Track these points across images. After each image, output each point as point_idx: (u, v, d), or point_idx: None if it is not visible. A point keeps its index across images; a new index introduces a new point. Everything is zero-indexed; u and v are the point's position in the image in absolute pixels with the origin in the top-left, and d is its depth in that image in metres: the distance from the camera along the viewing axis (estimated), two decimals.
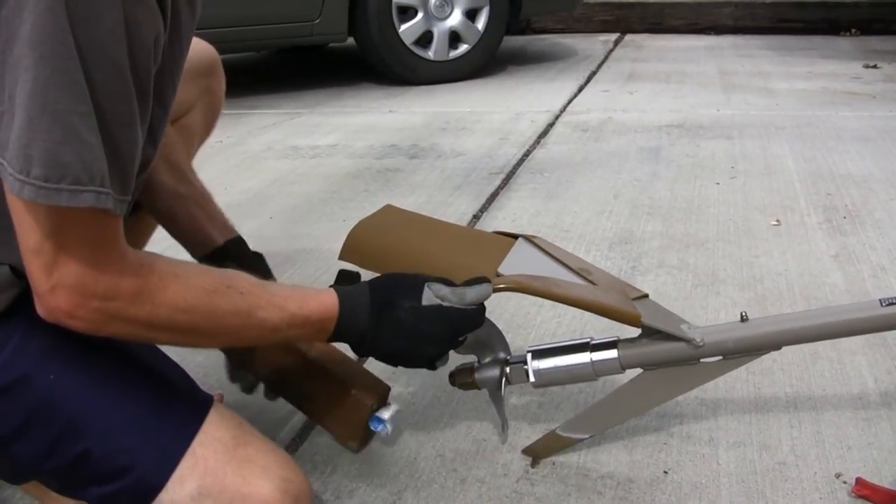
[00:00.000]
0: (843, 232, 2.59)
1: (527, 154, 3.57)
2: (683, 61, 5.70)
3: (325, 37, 5.07)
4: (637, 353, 1.45)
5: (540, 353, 1.47)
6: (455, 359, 1.39)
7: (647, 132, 3.87)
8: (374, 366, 1.44)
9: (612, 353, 1.45)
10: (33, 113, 0.96)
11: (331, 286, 1.33)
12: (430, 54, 5.12)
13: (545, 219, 2.78)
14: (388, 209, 1.67)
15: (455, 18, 5.13)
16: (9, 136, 0.97)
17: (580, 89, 4.87)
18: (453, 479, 1.51)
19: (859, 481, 1.44)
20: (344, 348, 1.34)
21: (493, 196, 3.04)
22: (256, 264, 1.58)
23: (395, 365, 1.36)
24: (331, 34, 4.98)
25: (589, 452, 1.57)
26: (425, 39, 5.10)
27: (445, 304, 1.31)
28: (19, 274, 1.10)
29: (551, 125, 4.05)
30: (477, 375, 1.48)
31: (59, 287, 1.03)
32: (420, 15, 5.05)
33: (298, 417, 1.70)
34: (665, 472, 1.51)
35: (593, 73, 5.36)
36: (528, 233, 1.65)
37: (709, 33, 6.94)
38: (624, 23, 7.13)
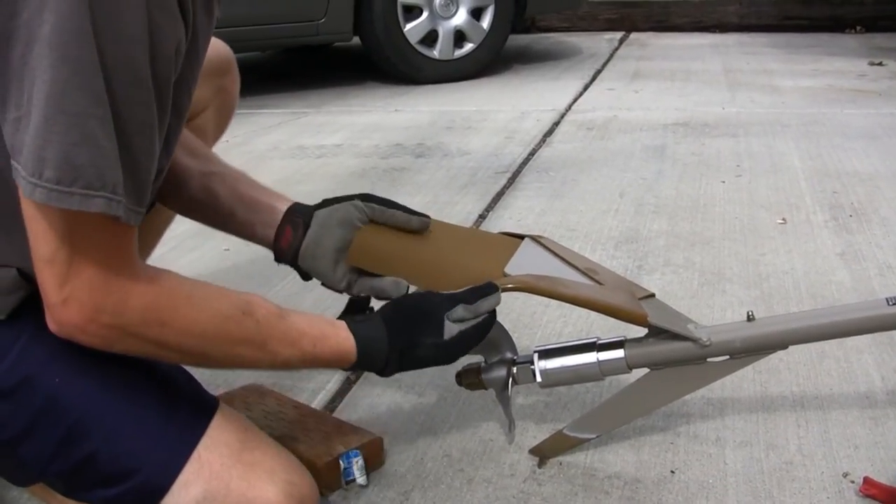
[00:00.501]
0: (850, 230, 2.59)
1: (532, 153, 3.57)
2: (688, 59, 5.69)
3: (330, 36, 5.08)
4: (644, 353, 1.45)
5: (546, 353, 1.47)
6: (462, 359, 1.39)
7: (653, 130, 3.87)
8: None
9: (618, 353, 1.45)
10: (49, 114, 0.95)
11: (341, 316, 1.33)
12: (436, 53, 5.12)
13: (551, 218, 2.78)
14: None
15: (460, 17, 5.13)
16: (24, 138, 0.96)
17: (585, 88, 4.87)
18: (460, 479, 1.51)
19: (867, 480, 1.44)
20: None
21: (499, 195, 3.04)
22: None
23: None
24: (336, 33, 4.99)
25: (596, 452, 1.57)
26: (430, 38, 5.10)
27: (464, 326, 1.33)
28: (27, 277, 1.11)
29: (557, 124, 4.05)
30: (483, 375, 1.48)
31: (70, 300, 1.03)
32: (425, 14, 5.05)
33: None
34: (672, 472, 1.51)
35: (598, 72, 5.35)
36: (534, 232, 1.65)
37: (714, 31, 6.94)
38: (629, 21, 7.13)
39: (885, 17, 6.74)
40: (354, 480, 1.47)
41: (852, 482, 1.47)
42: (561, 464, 1.54)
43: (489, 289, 1.35)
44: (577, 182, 3.15)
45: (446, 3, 5.08)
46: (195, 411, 1.20)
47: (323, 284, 1.50)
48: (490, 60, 5.30)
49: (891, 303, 1.41)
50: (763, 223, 2.67)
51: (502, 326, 1.47)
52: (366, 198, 1.48)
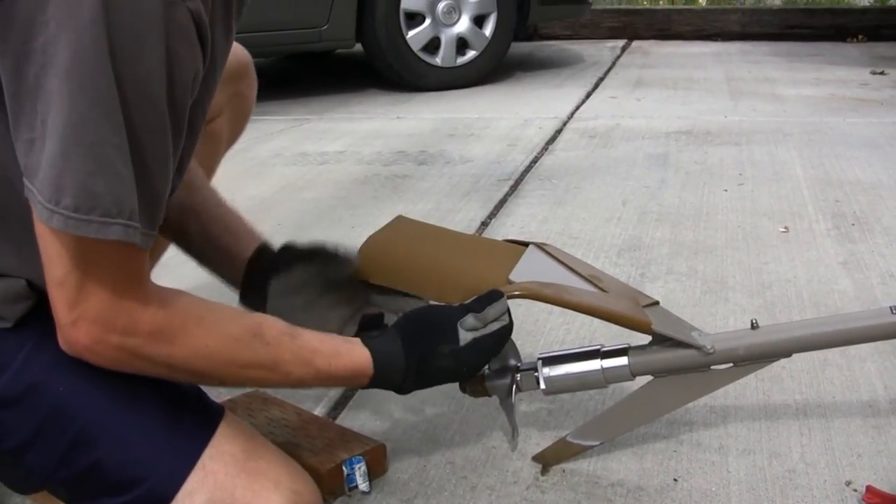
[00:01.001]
0: (852, 239, 2.59)
1: (535, 160, 3.58)
2: (691, 68, 5.70)
3: (332, 43, 5.09)
4: (647, 361, 1.45)
5: (550, 360, 1.47)
6: None
7: (655, 139, 3.87)
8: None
9: (622, 361, 1.45)
10: (68, 144, 0.95)
11: (357, 334, 1.32)
12: (438, 60, 5.12)
13: (554, 225, 2.78)
14: (399, 220, 1.67)
15: (463, 25, 5.14)
16: (39, 161, 0.97)
17: (588, 96, 4.88)
18: (463, 486, 1.51)
19: (870, 489, 1.44)
20: None
21: (502, 202, 3.04)
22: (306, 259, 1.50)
23: None
24: (339, 40, 4.99)
25: (599, 460, 1.57)
26: (433, 46, 5.11)
27: (478, 334, 1.33)
28: (35, 287, 1.11)
29: (559, 131, 4.05)
30: (487, 383, 1.48)
31: (80, 320, 1.04)
32: (428, 21, 5.06)
33: None
34: (675, 480, 1.51)
35: (601, 80, 5.36)
36: (537, 239, 1.65)
37: (716, 40, 6.95)
38: (631, 29, 7.14)
39: (887, 25, 6.75)
40: (357, 487, 1.47)
41: (855, 490, 1.47)
42: (564, 471, 1.54)
43: (495, 296, 1.36)
44: (580, 190, 3.15)
45: (449, 11, 5.08)
46: (200, 420, 1.19)
47: None
48: (492, 68, 5.31)
49: (894, 311, 1.42)
50: (766, 232, 2.67)
51: None
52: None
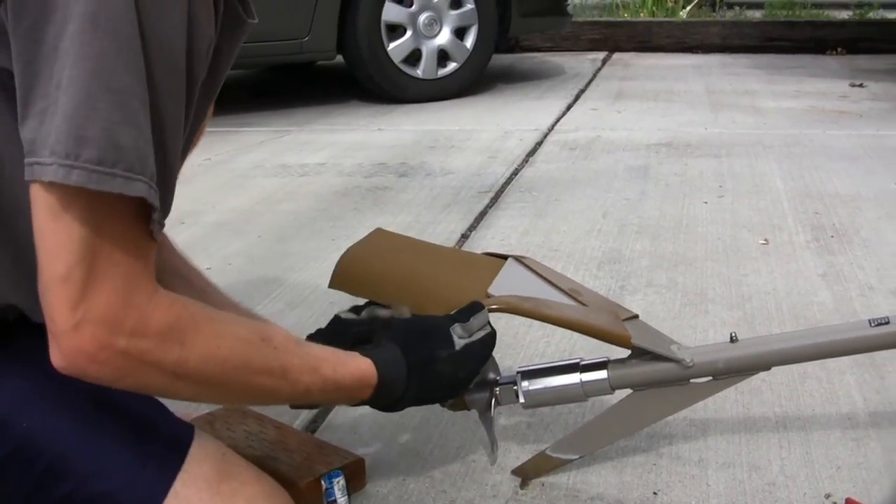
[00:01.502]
0: (831, 251, 2.60)
1: (515, 172, 3.58)
2: (671, 80, 5.72)
3: (314, 54, 5.09)
4: (627, 374, 1.44)
5: (529, 374, 1.46)
6: None
7: (636, 151, 3.88)
8: None
9: (601, 374, 1.44)
10: (94, 90, 0.90)
11: (357, 348, 1.30)
12: (419, 72, 5.12)
13: (534, 238, 2.78)
14: (378, 233, 1.66)
15: (444, 37, 5.14)
16: (51, 128, 0.90)
17: (568, 108, 4.89)
18: (443, 500, 1.50)
19: (849, 501, 1.44)
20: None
21: (482, 215, 3.04)
22: None
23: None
24: (320, 52, 4.99)
25: (578, 473, 1.56)
26: (414, 57, 5.11)
27: (468, 341, 1.33)
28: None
29: (540, 144, 4.06)
30: (466, 396, 1.47)
31: (84, 322, 0.94)
32: (409, 33, 5.06)
33: None
34: (654, 494, 1.51)
35: (581, 92, 5.37)
36: (517, 252, 1.65)
37: (697, 52, 6.97)
38: (612, 41, 7.16)
39: (866, 38, 6.79)
40: (336, 501, 1.46)
41: (835, 503, 1.47)
42: (543, 485, 1.54)
43: (476, 307, 1.36)
44: (560, 202, 3.15)
45: (430, 23, 5.08)
46: (170, 445, 1.16)
47: None
48: (473, 80, 5.31)
49: (873, 324, 1.42)
50: (745, 244, 2.68)
51: None
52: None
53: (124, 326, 0.96)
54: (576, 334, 1.59)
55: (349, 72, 5.20)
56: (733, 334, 1.45)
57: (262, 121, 4.72)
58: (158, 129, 0.95)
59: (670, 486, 1.53)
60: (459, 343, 1.33)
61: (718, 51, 6.95)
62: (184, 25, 0.97)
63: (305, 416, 1.75)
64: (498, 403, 1.46)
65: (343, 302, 1.51)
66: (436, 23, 5.11)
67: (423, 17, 5.07)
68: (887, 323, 1.42)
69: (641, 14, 7.72)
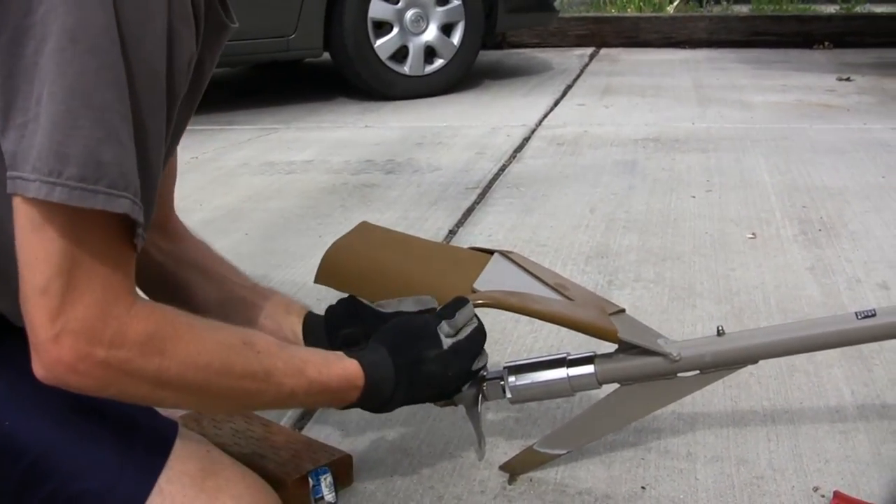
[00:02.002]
0: (819, 244, 2.60)
1: (503, 168, 3.57)
2: (659, 75, 5.72)
3: (300, 52, 5.07)
4: (614, 368, 1.44)
5: (516, 369, 1.46)
6: None
7: (623, 146, 3.88)
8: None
9: (588, 369, 1.44)
10: (74, 107, 0.90)
11: (342, 349, 1.29)
12: (406, 69, 5.11)
13: (521, 233, 2.78)
14: (363, 227, 1.66)
15: (430, 33, 5.13)
16: (32, 143, 0.90)
17: (556, 103, 4.88)
18: (430, 496, 1.50)
19: (837, 494, 1.44)
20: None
21: (470, 211, 3.04)
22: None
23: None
24: (306, 49, 4.98)
25: (566, 468, 1.56)
26: (401, 54, 5.10)
27: (455, 339, 1.33)
28: None
29: (527, 139, 4.05)
30: None
31: (64, 333, 0.95)
32: (395, 30, 5.05)
33: None
34: (643, 488, 1.51)
35: (569, 87, 5.37)
36: (505, 248, 1.64)
37: (684, 47, 6.97)
38: (599, 37, 7.16)
39: (852, 32, 6.80)
40: (323, 498, 1.45)
41: (823, 496, 1.47)
42: (531, 480, 1.53)
43: (461, 302, 1.35)
44: (548, 197, 3.15)
45: (417, 19, 5.08)
46: (154, 443, 1.15)
47: None
48: (461, 76, 5.30)
49: (860, 317, 1.42)
50: (733, 238, 2.68)
51: None
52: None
53: (103, 337, 0.97)
54: (563, 329, 1.59)
55: (336, 69, 5.19)
56: (720, 328, 1.45)
57: (248, 119, 4.71)
58: (140, 145, 0.95)
59: (659, 480, 1.53)
60: (447, 342, 1.32)
61: (705, 46, 6.96)
62: (164, 41, 0.97)
63: (293, 413, 1.75)
64: (485, 399, 1.46)
65: (331, 298, 1.50)
66: (422, 19, 5.10)
67: (409, 14, 5.06)
68: (874, 315, 1.42)
69: (629, 10, 7.71)
